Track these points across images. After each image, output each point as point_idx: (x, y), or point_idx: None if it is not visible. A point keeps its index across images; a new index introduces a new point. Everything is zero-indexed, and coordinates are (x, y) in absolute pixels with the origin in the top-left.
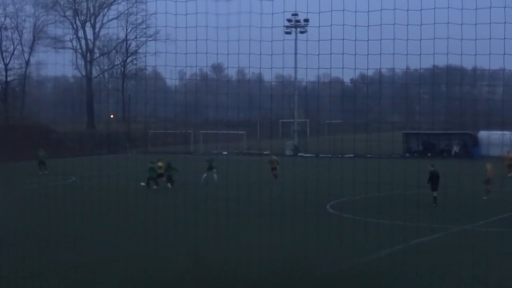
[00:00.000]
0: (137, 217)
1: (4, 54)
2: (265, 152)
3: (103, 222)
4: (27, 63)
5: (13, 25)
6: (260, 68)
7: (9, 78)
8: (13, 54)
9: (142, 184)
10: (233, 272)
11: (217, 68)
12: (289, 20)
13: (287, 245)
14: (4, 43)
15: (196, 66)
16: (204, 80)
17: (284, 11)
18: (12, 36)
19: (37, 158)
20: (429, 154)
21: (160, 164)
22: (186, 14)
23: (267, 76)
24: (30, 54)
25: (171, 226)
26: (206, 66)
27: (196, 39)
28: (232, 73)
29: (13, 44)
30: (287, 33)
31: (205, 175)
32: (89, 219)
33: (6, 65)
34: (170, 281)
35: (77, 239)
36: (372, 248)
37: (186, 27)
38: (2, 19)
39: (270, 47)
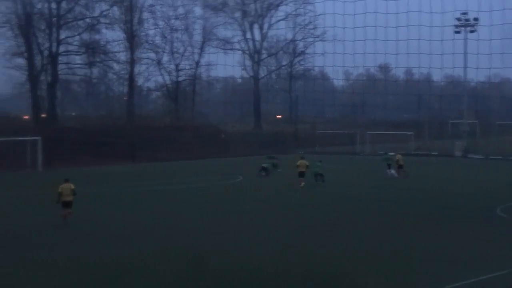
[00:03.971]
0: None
1: (175, 55)
2: (433, 153)
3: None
4: (197, 64)
5: (183, 26)
6: (429, 68)
7: (179, 79)
8: (183, 55)
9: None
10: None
11: (384, 68)
12: (458, 19)
13: (454, 248)
14: (175, 44)
15: (364, 66)
16: (371, 81)
17: (455, 10)
18: (182, 37)
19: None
20: None
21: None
22: (354, 14)
23: (436, 76)
24: (200, 55)
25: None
26: (374, 66)
27: (365, 39)
28: (399, 73)
29: (184, 45)
30: (456, 32)
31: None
32: (259, 218)
33: (177, 66)
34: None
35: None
36: None
37: (354, 27)
38: (173, 21)
39: (439, 46)
